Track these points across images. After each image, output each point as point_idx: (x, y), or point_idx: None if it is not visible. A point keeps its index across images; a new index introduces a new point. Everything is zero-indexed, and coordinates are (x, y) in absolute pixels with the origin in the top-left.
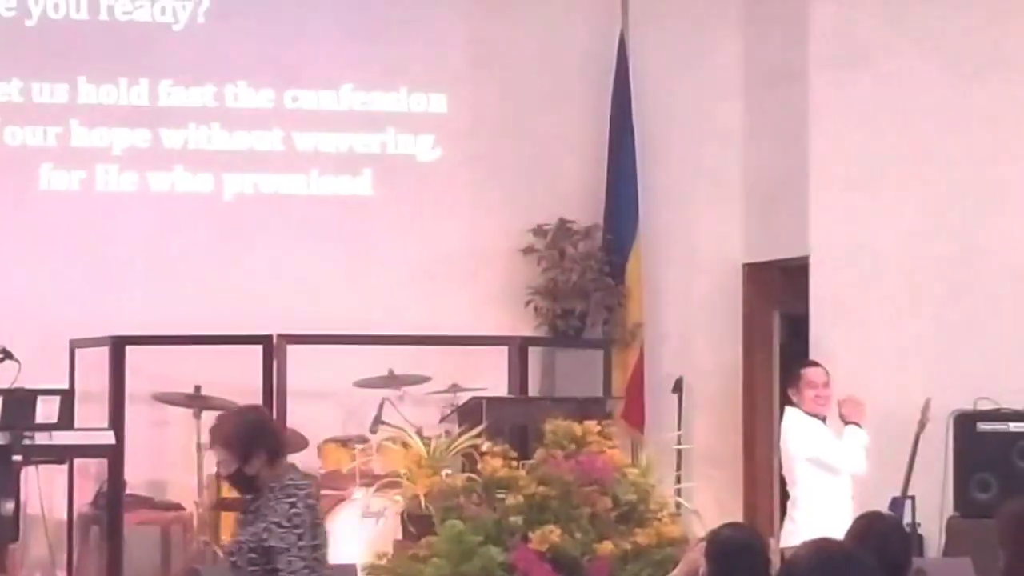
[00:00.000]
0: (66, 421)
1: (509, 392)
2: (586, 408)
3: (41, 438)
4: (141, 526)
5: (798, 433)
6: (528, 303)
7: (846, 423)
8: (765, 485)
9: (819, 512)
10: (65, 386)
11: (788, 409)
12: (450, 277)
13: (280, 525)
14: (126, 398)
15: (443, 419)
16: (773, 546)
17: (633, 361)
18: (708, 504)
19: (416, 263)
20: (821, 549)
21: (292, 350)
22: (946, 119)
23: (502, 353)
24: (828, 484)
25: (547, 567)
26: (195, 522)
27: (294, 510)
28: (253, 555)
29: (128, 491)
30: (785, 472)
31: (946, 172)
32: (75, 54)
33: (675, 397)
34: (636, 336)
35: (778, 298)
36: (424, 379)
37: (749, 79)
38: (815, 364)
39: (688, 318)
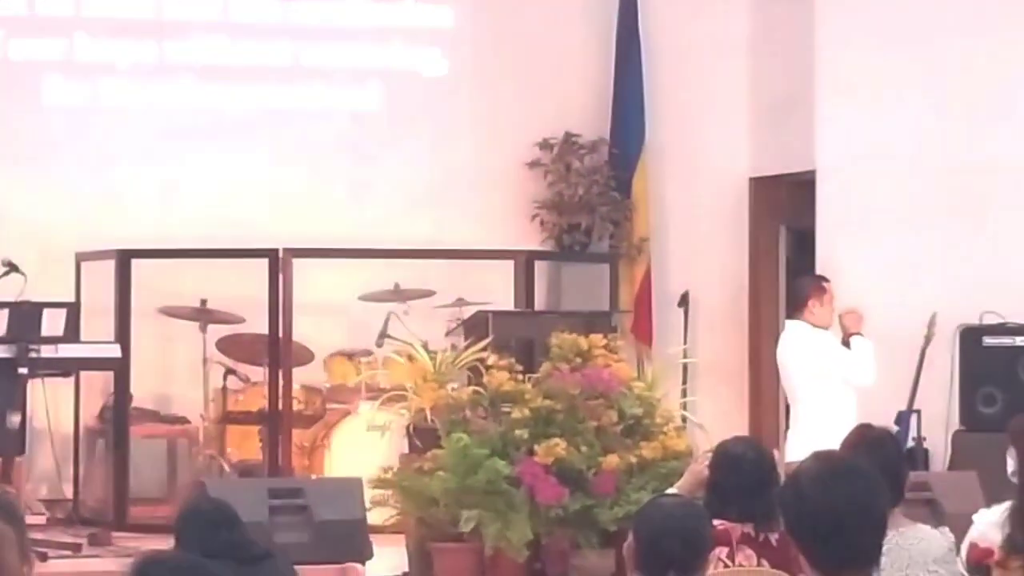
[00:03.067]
0: (72, 334)
1: (515, 306)
2: (592, 322)
3: (47, 351)
4: (147, 439)
5: (812, 345)
6: (534, 217)
7: (850, 334)
8: (770, 399)
9: (826, 425)
10: (71, 299)
11: (794, 323)
12: (456, 191)
13: None
14: (132, 311)
15: (449, 333)
16: (778, 458)
17: (639, 275)
18: (713, 417)
19: (422, 177)
20: (826, 461)
21: (298, 264)
22: (955, 31)
23: (508, 267)
24: (835, 397)
25: (552, 480)
26: (201, 436)
27: None
28: None
29: (134, 404)
30: (789, 386)
31: (953, 84)
32: None
33: (681, 311)
34: (642, 250)
35: (784, 212)
36: (430, 293)
37: None
38: (828, 280)
39: (694, 232)
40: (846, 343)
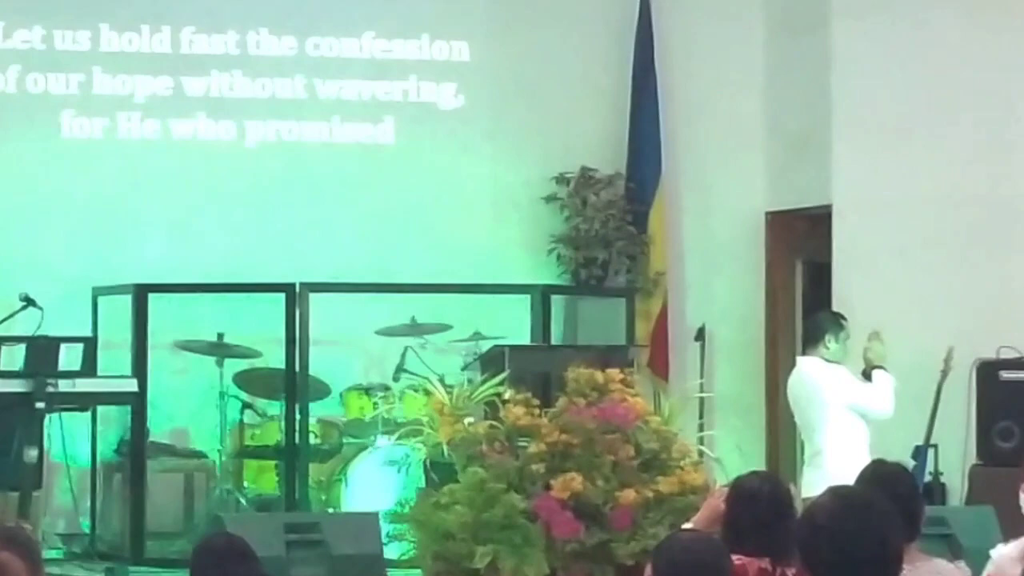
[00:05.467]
0: (89, 369)
1: (532, 340)
2: (608, 356)
3: (64, 386)
4: (164, 474)
5: (828, 379)
6: (551, 251)
7: (873, 367)
8: (787, 433)
9: (842, 460)
10: (88, 334)
11: (809, 359)
12: (472, 225)
13: None
14: (149, 346)
15: (465, 367)
16: (794, 493)
17: (656, 310)
18: (730, 452)
19: (438, 211)
20: (841, 496)
21: (315, 298)
22: (969, 66)
23: (524, 301)
24: (856, 431)
25: (569, 515)
26: (218, 470)
27: None
28: None
29: (151, 439)
30: (804, 421)
31: (969, 119)
32: (97, 1)
33: (698, 345)
34: (658, 285)
35: (801, 246)
36: (446, 327)
37: (772, 26)
38: (846, 318)
39: (711, 267)
40: (868, 375)
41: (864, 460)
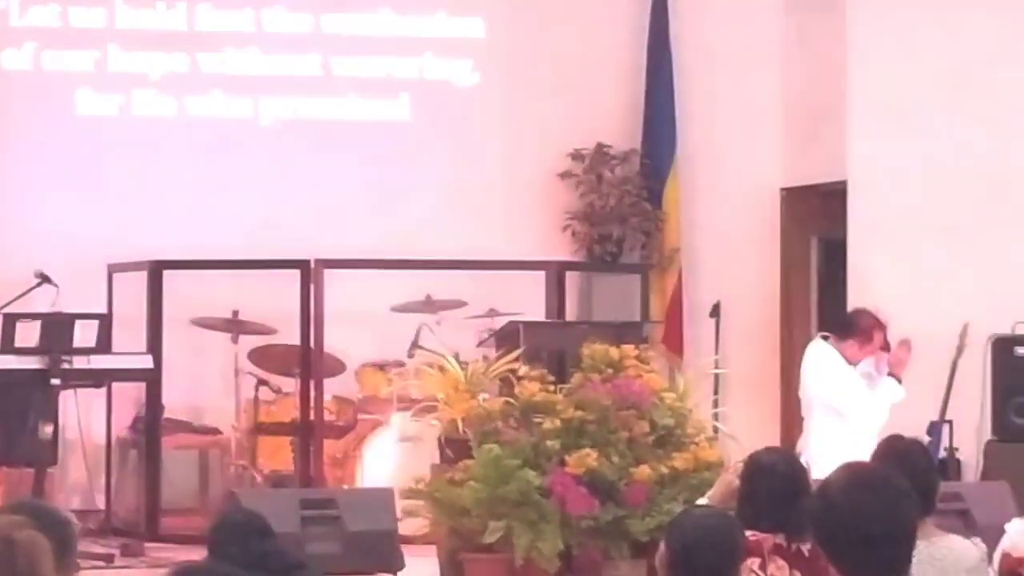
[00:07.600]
0: (104, 345)
1: (546, 316)
2: (623, 332)
3: (79, 362)
4: (179, 450)
5: (824, 372)
6: (566, 228)
7: (889, 374)
8: None
9: (825, 453)
10: (103, 310)
11: (819, 343)
12: (487, 202)
13: None
14: (164, 323)
15: (480, 343)
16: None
17: (671, 286)
18: (745, 428)
19: (454, 188)
20: (855, 471)
21: (329, 275)
22: (984, 43)
23: (539, 278)
24: (837, 426)
25: (583, 491)
26: (233, 446)
27: None
28: None
29: (166, 415)
30: (804, 405)
31: (985, 96)
32: None
33: (713, 322)
34: (673, 261)
35: (816, 223)
36: (461, 304)
37: (788, 2)
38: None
39: (726, 243)
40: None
41: (842, 457)
